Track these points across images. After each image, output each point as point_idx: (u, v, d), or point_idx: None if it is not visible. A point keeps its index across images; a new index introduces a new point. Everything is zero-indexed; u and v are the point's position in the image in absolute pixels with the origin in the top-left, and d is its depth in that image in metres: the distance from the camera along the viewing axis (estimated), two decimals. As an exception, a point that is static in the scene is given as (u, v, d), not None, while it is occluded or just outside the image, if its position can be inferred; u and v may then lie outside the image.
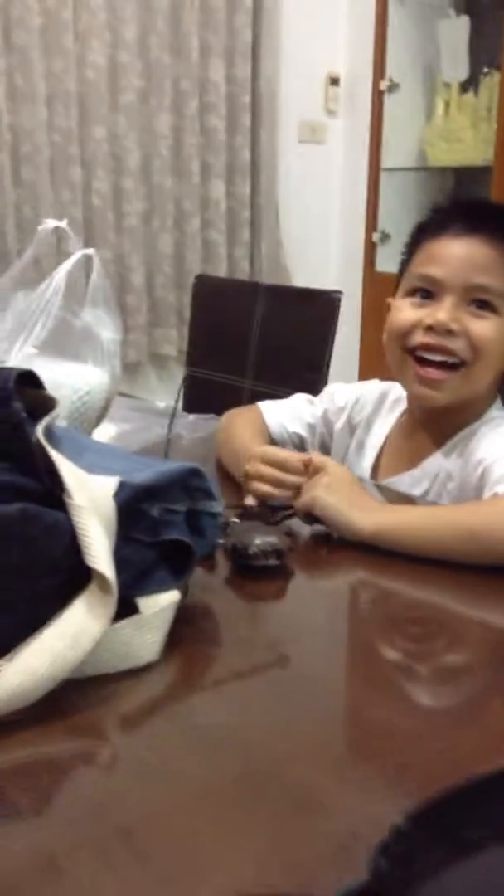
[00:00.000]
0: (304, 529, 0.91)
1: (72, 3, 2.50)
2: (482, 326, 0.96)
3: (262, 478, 0.93)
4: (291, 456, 0.94)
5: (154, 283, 2.87)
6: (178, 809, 0.50)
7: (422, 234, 1.03)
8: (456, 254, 0.97)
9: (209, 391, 1.86)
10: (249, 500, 0.94)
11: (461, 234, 0.97)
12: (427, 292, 0.99)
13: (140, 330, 2.84)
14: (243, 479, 0.96)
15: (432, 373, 0.98)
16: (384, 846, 0.30)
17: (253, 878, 0.44)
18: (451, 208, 1.04)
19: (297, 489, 0.91)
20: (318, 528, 0.89)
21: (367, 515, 0.85)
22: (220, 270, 2.96)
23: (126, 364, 2.88)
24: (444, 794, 0.31)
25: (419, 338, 0.98)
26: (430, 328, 0.97)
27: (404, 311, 1.01)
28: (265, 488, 0.93)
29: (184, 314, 2.73)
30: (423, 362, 0.99)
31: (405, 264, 1.05)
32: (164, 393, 2.88)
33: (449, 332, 0.96)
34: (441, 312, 0.96)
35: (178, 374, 2.09)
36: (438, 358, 0.97)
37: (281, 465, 0.92)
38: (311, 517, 0.88)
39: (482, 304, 0.96)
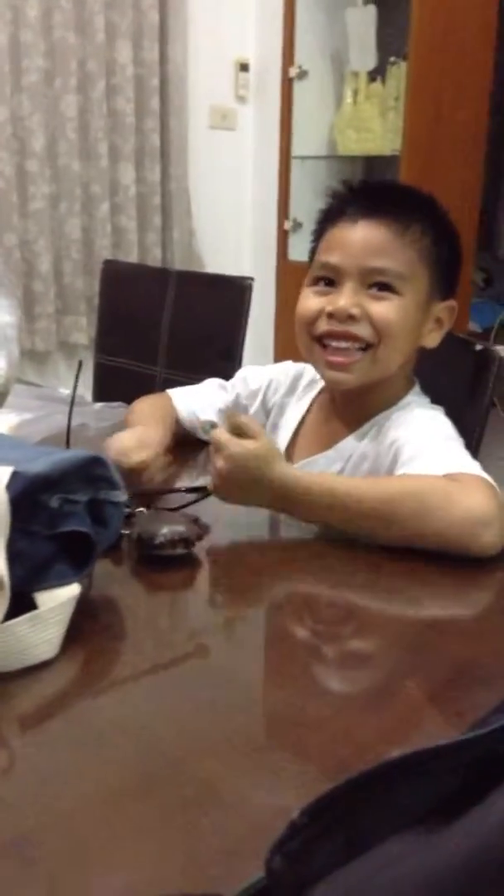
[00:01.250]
0: (213, 517, 0.89)
1: (-30, -23, 2.40)
2: (383, 308, 0.97)
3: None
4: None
5: (62, 269, 2.79)
6: (73, 812, 0.48)
7: (324, 222, 1.04)
8: (351, 239, 0.98)
9: (120, 379, 1.82)
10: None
11: (357, 218, 0.98)
12: (329, 280, 1.00)
13: (48, 318, 2.76)
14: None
15: (339, 357, 0.98)
16: (279, 843, 0.29)
17: (148, 878, 0.43)
18: (346, 193, 1.05)
19: None
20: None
21: (281, 464, 0.86)
22: (132, 257, 2.90)
23: (34, 353, 2.80)
24: (340, 786, 0.29)
25: (323, 326, 0.99)
26: (332, 315, 0.97)
27: (308, 299, 1.02)
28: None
29: (93, 302, 2.66)
30: (331, 347, 0.98)
31: (313, 252, 1.05)
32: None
33: (350, 318, 0.97)
34: (341, 299, 0.97)
35: (89, 363, 2.04)
36: (344, 344, 0.97)
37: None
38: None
39: (382, 286, 0.97)
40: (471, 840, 0.25)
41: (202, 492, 0.90)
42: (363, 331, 0.97)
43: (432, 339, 1.02)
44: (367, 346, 0.98)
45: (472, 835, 0.26)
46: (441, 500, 0.81)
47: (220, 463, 0.85)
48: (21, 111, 2.59)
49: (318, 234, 1.05)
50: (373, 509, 0.82)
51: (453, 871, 0.24)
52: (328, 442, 1.06)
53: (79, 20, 2.65)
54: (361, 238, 0.97)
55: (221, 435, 0.86)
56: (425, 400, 1.05)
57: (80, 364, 0.94)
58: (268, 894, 0.32)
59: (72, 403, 0.91)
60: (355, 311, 0.96)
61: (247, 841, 0.45)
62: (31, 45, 2.55)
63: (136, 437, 1.02)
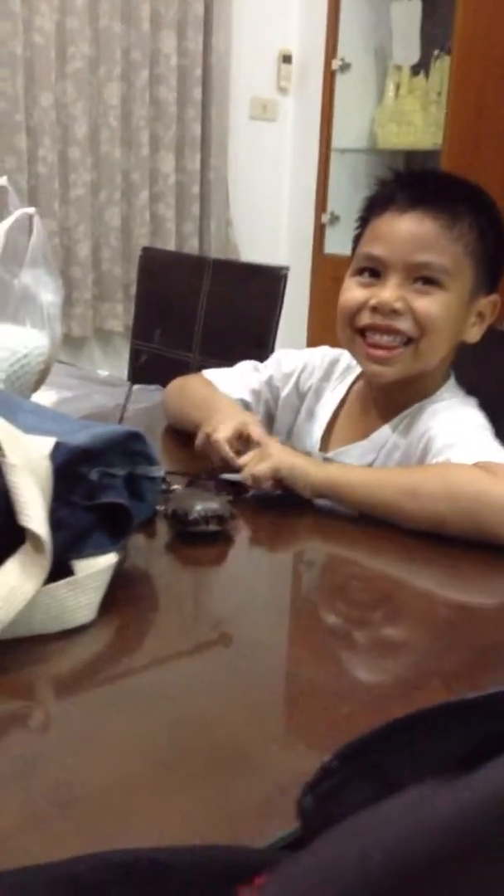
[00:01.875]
0: (249, 496, 0.90)
1: (19, -36, 2.43)
2: (427, 303, 0.96)
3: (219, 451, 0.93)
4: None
5: (100, 256, 2.83)
6: (106, 767, 0.50)
7: (369, 211, 1.03)
8: (398, 231, 0.97)
9: (155, 365, 1.84)
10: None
11: (404, 209, 0.97)
12: (373, 271, 0.99)
13: (85, 304, 2.79)
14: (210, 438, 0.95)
15: (381, 351, 0.98)
16: (311, 784, 0.31)
17: (181, 830, 0.44)
18: (394, 182, 1.04)
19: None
20: (273, 492, 0.90)
21: (321, 469, 0.89)
22: (169, 245, 2.92)
23: (71, 338, 2.83)
24: (372, 732, 0.31)
25: (366, 318, 0.99)
26: (375, 309, 0.97)
27: (352, 290, 1.01)
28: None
29: (130, 289, 2.69)
30: (372, 340, 0.99)
31: (357, 240, 1.05)
32: (109, 368, 2.85)
33: (394, 312, 0.96)
34: (385, 292, 0.96)
35: (124, 349, 2.07)
36: (386, 338, 0.98)
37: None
38: (275, 484, 0.89)
39: (427, 280, 0.96)
40: (480, 790, 0.27)
41: (239, 487, 0.91)
42: (406, 325, 0.96)
43: (474, 334, 1.02)
44: (408, 340, 0.97)
45: (480, 784, 0.27)
46: (470, 487, 0.81)
47: (272, 447, 0.90)
48: (65, 98, 2.63)
49: (363, 222, 1.04)
50: (402, 493, 0.84)
51: (462, 819, 0.26)
52: (364, 431, 1.07)
53: (125, 9, 2.67)
54: (408, 231, 0.96)
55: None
56: (460, 392, 1.06)
57: (133, 352, 0.94)
58: (294, 847, 0.34)
59: (130, 389, 0.92)
60: (399, 305, 0.96)
61: (274, 801, 0.47)
62: (77, 32, 2.58)
63: (234, 421, 0.97)
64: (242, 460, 0.91)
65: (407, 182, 1.03)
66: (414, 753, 0.30)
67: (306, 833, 0.31)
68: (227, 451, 0.92)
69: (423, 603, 0.77)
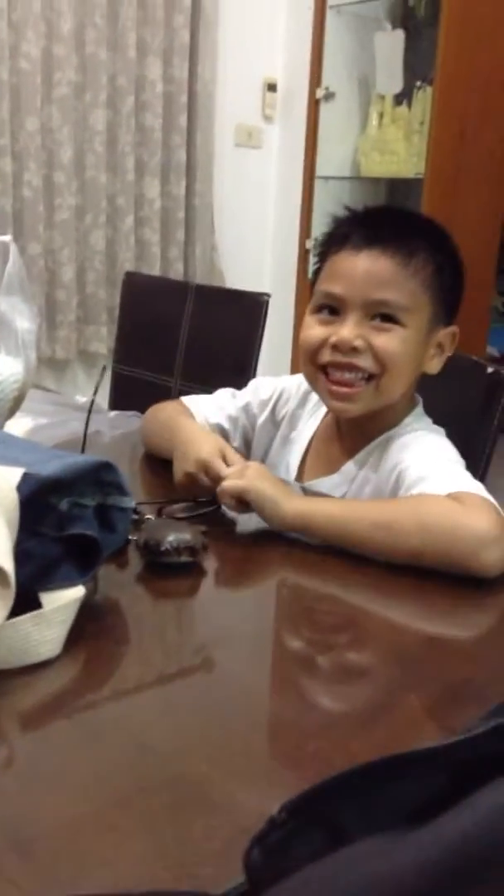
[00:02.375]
0: (220, 527, 0.90)
1: (6, -9, 2.45)
2: (386, 340, 0.97)
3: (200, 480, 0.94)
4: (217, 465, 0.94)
5: (85, 279, 2.83)
6: (66, 807, 0.49)
7: (326, 247, 1.04)
8: (355, 269, 0.97)
9: (136, 389, 1.84)
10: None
11: (361, 246, 0.98)
12: (332, 308, 1.00)
13: (69, 326, 2.79)
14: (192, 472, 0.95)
15: (342, 388, 0.99)
16: (258, 838, 0.30)
17: (139, 875, 0.43)
18: (350, 220, 1.04)
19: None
20: (239, 516, 0.90)
21: (292, 501, 0.89)
22: (154, 270, 2.93)
23: (54, 361, 2.83)
24: (322, 784, 0.30)
25: (327, 356, 0.99)
26: (335, 346, 0.98)
27: (312, 328, 1.01)
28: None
29: (114, 312, 2.69)
30: (334, 377, 0.99)
31: (316, 275, 1.06)
32: (92, 391, 2.84)
33: (354, 350, 0.97)
34: (344, 330, 0.97)
35: (108, 372, 2.07)
36: (347, 375, 0.98)
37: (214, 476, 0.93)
38: (237, 504, 0.89)
39: (385, 317, 0.97)
40: (438, 842, 0.26)
41: (211, 504, 0.92)
42: (366, 362, 0.97)
43: (434, 366, 1.03)
44: (370, 377, 0.98)
45: (442, 837, 0.27)
46: (443, 519, 0.82)
47: (251, 471, 0.90)
48: (51, 123, 2.64)
49: (321, 258, 1.05)
50: (376, 527, 0.84)
51: (415, 873, 0.25)
52: (334, 464, 1.07)
53: (111, 36, 2.70)
54: (365, 269, 0.97)
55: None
56: (427, 421, 1.06)
57: (104, 369, 0.95)
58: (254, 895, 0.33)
59: (90, 406, 0.92)
60: (358, 343, 0.96)
61: (236, 843, 0.46)
62: (64, 58, 2.60)
63: (215, 447, 0.98)
64: (226, 472, 0.91)
65: (362, 220, 1.03)
66: (364, 805, 0.30)
67: (254, 887, 0.30)
68: (219, 463, 0.92)
69: (394, 636, 0.76)
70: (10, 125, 2.54)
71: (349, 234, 1.00)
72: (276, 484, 0.91)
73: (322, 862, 0.28)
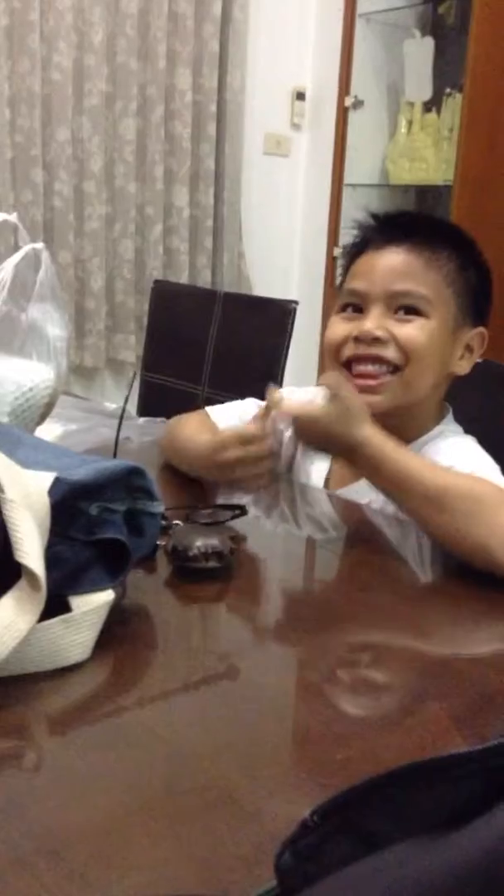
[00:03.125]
0: (251, 533, 0.90)
1: (38, 4, 2.48)
2: (409, 329, 0.97)
3: (243, 461, 0.92)
4: (249, 429, 0.93)
5: (114, 287, 2.85)
6: (96, 811, 0.49)
7: (351, 254, 1.06)
8: (377, 265, 0.99)
9: (164, 397, 1.85)
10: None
11: (381, 246, 1.00)
12: (356, 307, 1.01)
13: (98, 335, 2.82)
14: (221, 469, 0.94)
15: (367, 380, 0.99)
16: (290, 841, 0.30)
17: (165, 879, 0.43)
18: (370, 224, 1.06)
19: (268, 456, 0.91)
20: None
21: (368, 426, 0.87)
22: (182, 278, 2.95)
23: (83, 369, 2.85)
24: (355, 788, 0.30)
25: (350, 350, 1.00)
26: (358, 339, 0.99)
27: (336, 326, 1.03)
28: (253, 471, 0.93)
29: (143, 321, 2.70)
30: (358, 371, 1.00)
31: (342, 284, 1.07)
32: (121, 399, 2.86)
33: (376, 340, 0.97)
34: (367, 322, 0.98)
35: (136, 379, 2.09)
36: (371, 367, 0.98)
37: (248, 441, 0.92)
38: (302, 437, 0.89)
39: (408, 309, 0.98)
40: (472, 847, 0.26)
41: (239, 509, 0.92)
42: (390, 353, 0.97)
43: (463, 367, 1.03)
44: (395, 369, 0.98)
45: (474, 844, 0.26)
46: (494, 504, 0.81)
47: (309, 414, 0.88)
48: (81, 133, 2.67)
49: (347, 265, 1.07)
50: (427, 495, 0.83)
51: (449, 877, 0.25)
52: None
53: (142, 47, 2.72)
54: (387, 263, 0.99)
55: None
56: (458, 429, 1.05)
57: (134, 375, 0.96)
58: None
59: (121, 416, 0.93)
60: (380, 333, 0.97)
61: (263, 849, 0.46)
62: (95, 69, 2.63)
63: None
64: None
65: (383, 222, 1.05)
66: (397, 810, 0.29)
67: (285, 891, 0.30)
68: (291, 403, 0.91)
69: (422, 644, 0.75)
70: (42, 135, 2.57)
71: (369, 238, 1.03)
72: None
73: (355, 866, 0.28)
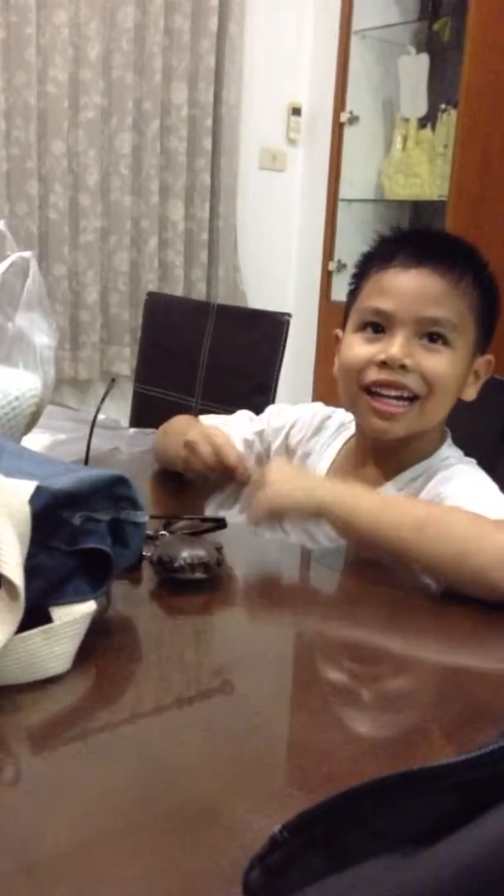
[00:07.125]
0: (238, 545, 0.89)
1: (35, 18, 2.50)
2: (435, 361, 0.95)
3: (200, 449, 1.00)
4: (227, 446, 1.00)
5: (109, 300, 2.85)
6: (74, 827, 0.48)
7: (369, 265, 1.01)
8: (406, 286, 0.95)
9: (157, 409, 1.84)
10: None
11: (410, 265, 0.95)
12: (378, 326, 0.97)
13: (93, 347, 2.81)
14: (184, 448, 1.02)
15: (389, 406, 0.96)
16: (259, 857, 0.29)
17: (142, 892, 0.42)
18: (398, 238, 1.03)
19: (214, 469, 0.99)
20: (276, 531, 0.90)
21: (323, 485, 0.88)
22: (177, 291, 2.95)
23: (77, 381, 2.85)
24: (324, 803, 0.29)
25: (373, 375, 0.96)
26: (383, 364, 0.95)
27: (356, 347, 0.98)
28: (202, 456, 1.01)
29: (137, 333, 2.70)
30: (378, 396, 0.97)
31: (353, 295, 1.03)
32: (115, 412, 2.85)
33: (402, 368, 0.94)
34: (394, 348, 0.94)
35: (130, 393, 2.08)
36: (394, 393, 0.96)
37: (217, 450, 0.99)
38: (271, 519, 0.89)
39: (434, 337, 0.95)
40: (449, 863, 0.25)
41: (219, 522, 0.90)
42: (413, 382, 0.95)
43: (470, 393, 1.01)
44: (413, 398, 0.96)
45: (451, 859, 0.25)
46: (477, 532, 0.79)
47: (270, 476, 0.90)
48: (77, 147, 2.68)
49: (361, 277, 1.02)
50: (410, 528, 0.81)
51: (426, 893, 0.24)
52: None
53: (138, 61, 2.74)
54: (418, 286, 0.94)
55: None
56: (460, 453, 1.04)
57: (113, 381, 0.97)
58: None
59: (93, 422, 0.92)
60: (408, 361, 0.94)
61: (242, 864, 0.44)
62: (91, 83, 2.64)
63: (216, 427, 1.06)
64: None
65: (411, 239, 1.02)
66: (369, 825, 0.28)
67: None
68: (222, 436, 0.99)
69: (412, 660, 0.74)
70: (38, 148, 2.58)
71: (396, 253, 0.97)
72: (297, 475, 0.93)
73: (327, 881, 0.27)
